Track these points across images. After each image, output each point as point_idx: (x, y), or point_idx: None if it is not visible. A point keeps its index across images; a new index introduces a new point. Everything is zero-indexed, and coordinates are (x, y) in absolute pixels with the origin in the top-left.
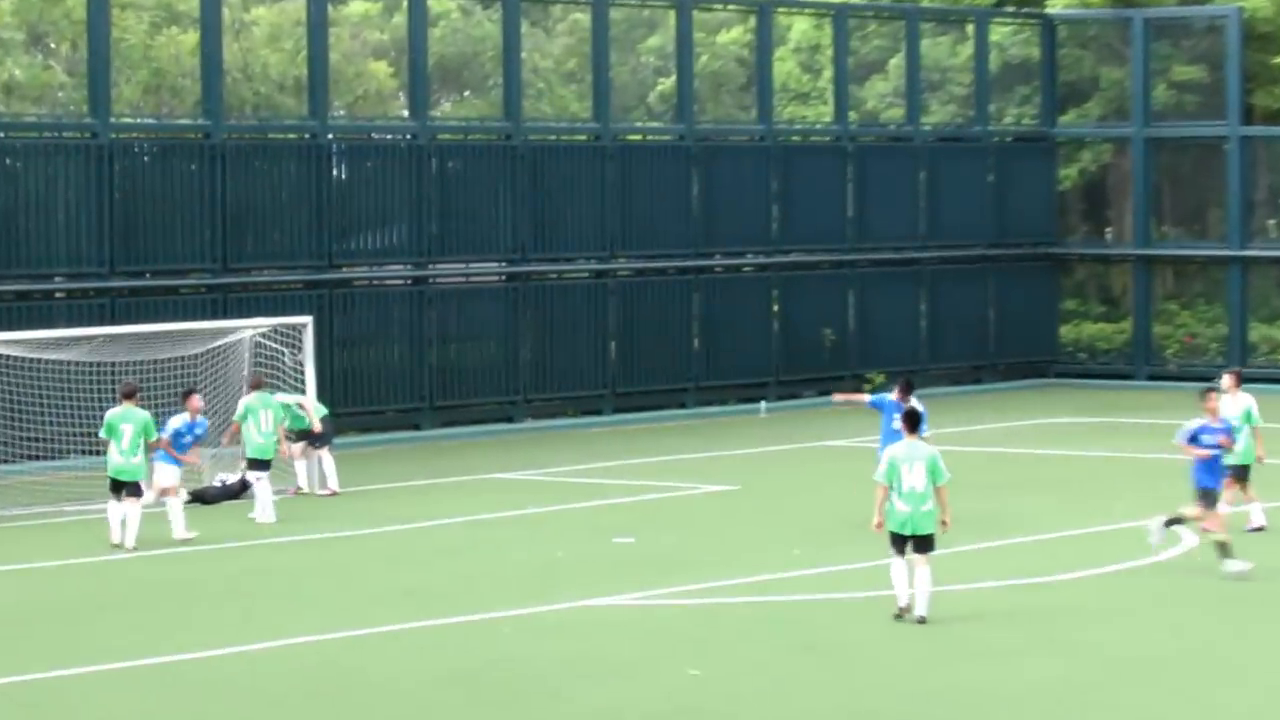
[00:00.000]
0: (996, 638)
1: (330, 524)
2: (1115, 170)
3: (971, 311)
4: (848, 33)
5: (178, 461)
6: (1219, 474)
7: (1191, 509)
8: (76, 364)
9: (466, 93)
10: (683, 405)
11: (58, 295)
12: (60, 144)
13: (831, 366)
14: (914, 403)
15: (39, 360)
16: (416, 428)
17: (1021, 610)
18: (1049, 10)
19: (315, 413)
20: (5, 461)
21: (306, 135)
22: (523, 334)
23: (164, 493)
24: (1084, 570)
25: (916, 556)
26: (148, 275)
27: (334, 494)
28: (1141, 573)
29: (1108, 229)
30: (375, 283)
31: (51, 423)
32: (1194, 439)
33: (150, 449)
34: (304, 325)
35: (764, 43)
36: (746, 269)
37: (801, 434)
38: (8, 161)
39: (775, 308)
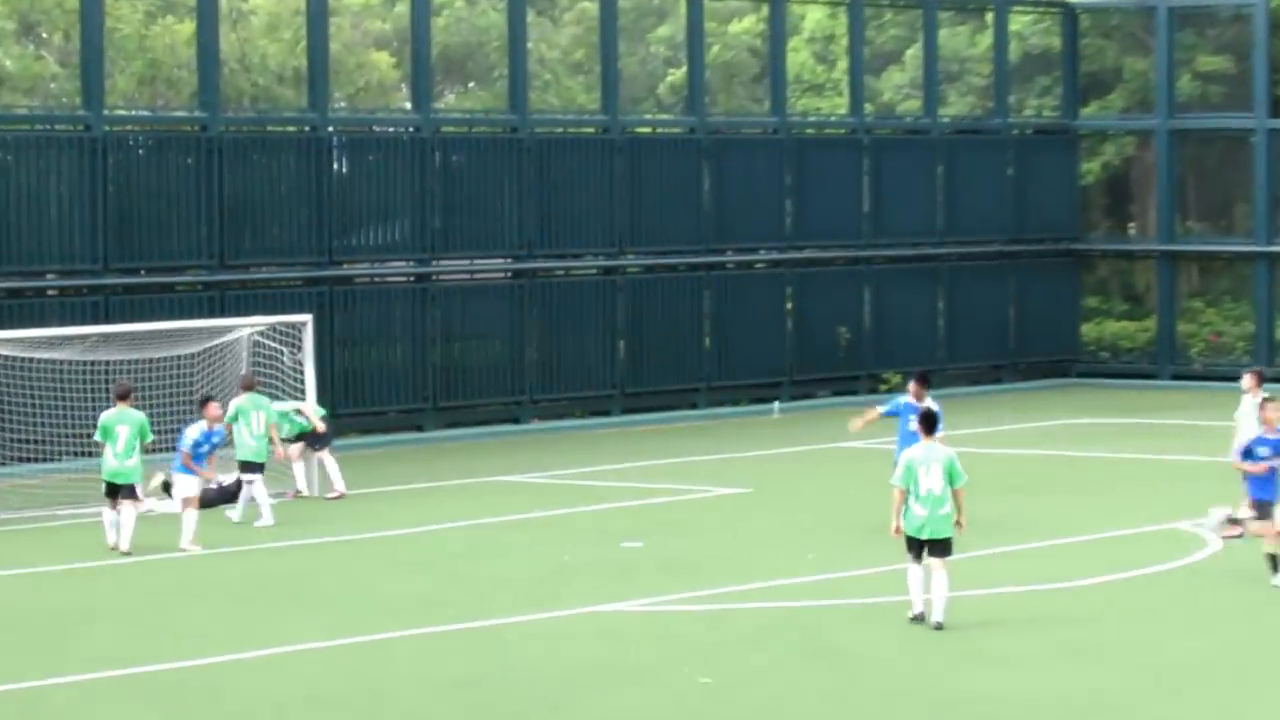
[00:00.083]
0: (1016, 645)
1: (330, 528)
2: (1138, 163)
3: (991, 309)
4: (863, 22)
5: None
6: (1274, 486)
7: (1248, 516)
8: (69, 364)
9: (471, 84)
10: (693, 406)
11: (50, 293)
12: (52, 137)
13: (847, 366)
14: (930, 402)
15: (30, 360)
16: (419, 429)
17: (1042, 617)
18: None
19: (314, 413)
20: None
21: (306, 128)
22: (529, 333)
23: (187, 503)
24: (1107, 575)
25: (934, 561)
26: (143, 272)
27: (341, 495)
28: (1166, 578)
29: (1131, 224)
30: (377, 280)
31: (44, 425)
32: (1249, 453)
33: (146, 451)
34: (304, 324)
35: (777, 32)
36: (759, 266)
37: (816, 435)
38: None
39: (789, 305)
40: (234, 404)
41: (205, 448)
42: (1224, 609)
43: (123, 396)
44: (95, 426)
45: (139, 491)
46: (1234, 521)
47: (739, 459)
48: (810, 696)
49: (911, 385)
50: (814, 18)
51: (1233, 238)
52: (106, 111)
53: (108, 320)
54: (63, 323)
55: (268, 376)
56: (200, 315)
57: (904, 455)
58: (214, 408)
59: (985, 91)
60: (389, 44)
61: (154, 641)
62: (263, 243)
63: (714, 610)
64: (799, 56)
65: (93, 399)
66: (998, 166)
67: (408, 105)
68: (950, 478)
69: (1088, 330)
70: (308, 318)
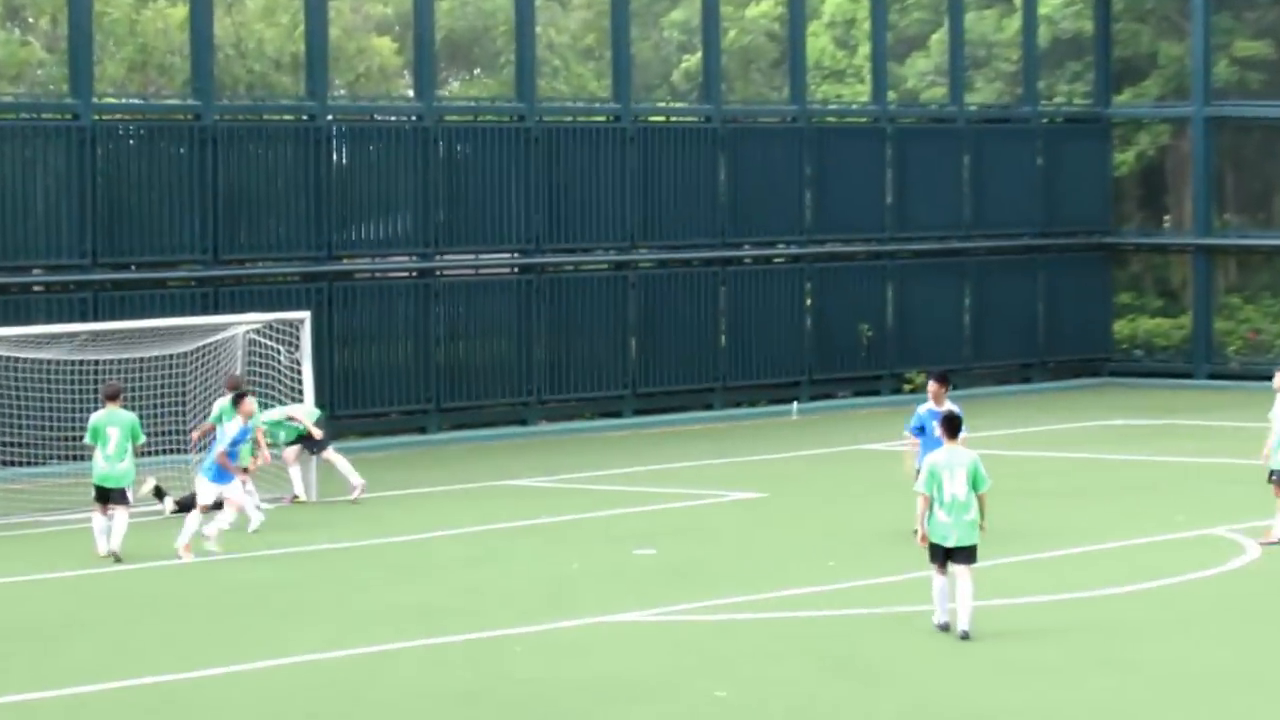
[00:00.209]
0: (1044, 655)
1: (329, 534)
2: (1174, 153)
3: (1019, 306)
4: (886, 5)
5: (230, 476)
6: None
7: None
8: (57, 363)
9: (476, 71)
10: (709, 407)
11: (36, 289)
12: (39, 126)
13: (868, 365)
14: (950, 405)
15: (16, 359)
16: (422, 431)
17: (1071, 626)
18: None
19: (309, 416)
20: None
21: (304, 116)
22: (537, 330)
23: (205, 509)
24: (1139, 584)
25: (958, 568)
26: (133, 268)
27: (363, 488)
28: (1200, 586)
29: (1166, 217)
30: (378, 275)
31: (30, 426)
32: None
33: (137, 453)
34: (301, 321)
35: (796, 16)
36: (777, 260)
37: (835, 437)
38: None
39: (808, 302)
40: (219, 404)
41: (241, 446)
42: (1258, 617)
43: (112, 397)
44: (84, 428)
45: (129, 496)
46: None
47: (756, 462)
48: (830, 710)
49: (931, 386)
50: (835, 1)
51: (1272, 231)
52: (95, 99)
53: (97, 318)
54: (50, 320)
55: (264, 376)
56: (193, 312)
57: (926, 460)
58: (249, 403)
59: (1014, 78)
60: (391, 28)
61: (145, 653)
62: (259, 237)
63: (729, 620)
64: (819, 41)
65: (81, 400)
66: (1026, 156)
67: (410, 93)
68: (975, 482)
69: (1120, 328)
70: (305, 315)
